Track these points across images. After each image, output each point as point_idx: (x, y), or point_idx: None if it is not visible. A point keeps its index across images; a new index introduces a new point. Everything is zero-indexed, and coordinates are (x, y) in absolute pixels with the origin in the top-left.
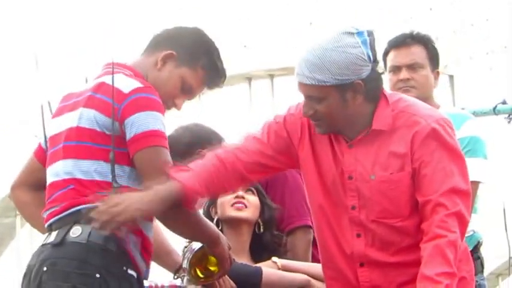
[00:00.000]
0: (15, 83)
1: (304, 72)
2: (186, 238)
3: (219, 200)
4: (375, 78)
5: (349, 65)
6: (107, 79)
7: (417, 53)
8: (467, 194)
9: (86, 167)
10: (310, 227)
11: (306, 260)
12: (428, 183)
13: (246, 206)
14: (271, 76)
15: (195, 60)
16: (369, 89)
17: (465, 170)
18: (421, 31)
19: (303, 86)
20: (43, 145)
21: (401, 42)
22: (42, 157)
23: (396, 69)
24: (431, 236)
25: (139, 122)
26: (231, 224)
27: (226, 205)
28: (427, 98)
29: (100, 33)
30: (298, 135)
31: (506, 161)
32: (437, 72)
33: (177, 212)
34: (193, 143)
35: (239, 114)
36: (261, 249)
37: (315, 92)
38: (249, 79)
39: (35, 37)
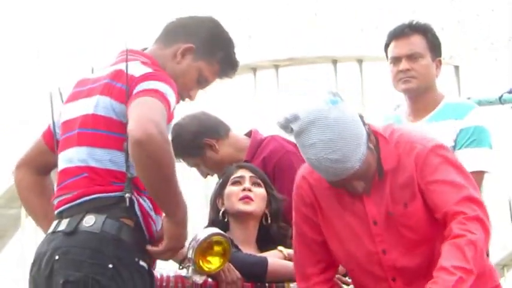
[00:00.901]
0: (15, 84)
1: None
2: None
3: (226, 192)
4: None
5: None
6: (124, 66)
7: (416, 43)
8: (482, 203)
9: (100, 156)
10: None
11: None
12: (440, 197)
13: (252, 200)
14: (276, 67)
15: (212, 53)
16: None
17: (474, 183)
18: (421, 21)
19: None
20: (52, 129)
21: (400, 32)
22: (50, 141)
23: (396, 60)
24: (451, 237)
25: (142, 85)
26: (238, 217)
27: (234, 198)
28: (429, 88)
29: (101, 28)
30: (311, 208)
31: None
32: (439, 61)
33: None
34: (200, 132)
35: (244, 104)
36: (267, 240)
37: (354, 176)
38: (254, 70)
39: (36, 34)
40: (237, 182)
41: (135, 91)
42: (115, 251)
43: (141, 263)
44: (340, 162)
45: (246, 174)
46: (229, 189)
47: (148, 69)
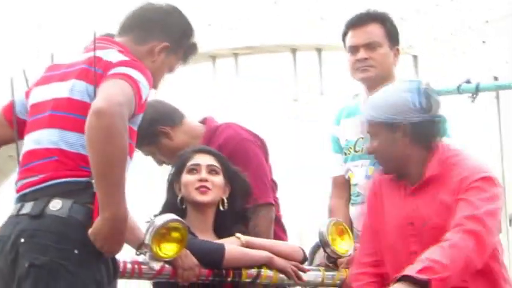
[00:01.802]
0: (15, 54)
1: (366, 109)
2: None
3: (183, 180)
4: (425, 126)
5: (398, 106)
6: (102, 53)
7: (374, 32)
8: (488, 226)
9: (72, 139)
10: (272, 204)
11: (268, 237)
12: (457, 212)
13: (209, 189)
14: (235, 55)
15: (181, 46)
16: (417, 134)
17: (496, 215)
18: (378, 9)
19: (365, 124)
20: (15, 107)
21: (357, 21)
22: (9, 116)
23: (354, 49)
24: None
25: (116, 70)
26: (195, 206)
27: (191, 187)
28: (387, 77)
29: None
30: (376, 197)
31: (470, 140)
32: (397, 50)
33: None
34: (155, 119)
35: (203, 92)
36: (224, 226)
37: (370, 129)
38: (213, 58)
39: (37, 5)
40: (193, 170)
41: (109, 73)
42: (81, 236)
43: None
44: (369, 102)
45: (202, 161)
46: (186, 177)
47: (126, 58)
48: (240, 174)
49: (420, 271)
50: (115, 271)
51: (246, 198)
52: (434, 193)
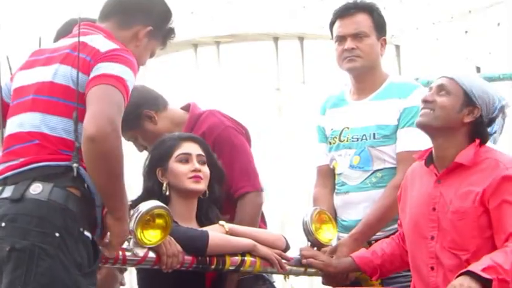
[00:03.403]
0: None
1: (457, 73)
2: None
3: (174, 169)
4: (484, 125)
5: (487, 95)
6: (87, 39)
7: (362, 22)
8: None
9: (54, 123)
10: (261, 190)
11: (253, 225)
12: (509, 218)
13: (202, 179)
14: (218, 43)
15: (161, 30)
16: (478, 124)
17: None
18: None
19: (446, 79)
20: (0, 91)
21: (345, 11)
22: None
23: (341, 39)
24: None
25: (104, 67)
26: (185, 194)
27: (183, 177)
28: (374, 67)
29: None
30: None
31: None
32: (384, 40)
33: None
34: (139, 103)
35: (185, 80)
36: (205, 214)
37: (449, 85)
38: (195, 46)
39: None
40: (184, 160)
41: (96, 72)
42: (62, 220)
43: (86, 233)
44: (461, 73)
45: (193, 150)
46: (177, 166)
47: (114, 45)
48: (217, 162)
49: (484, 269)
50: (96, 254)
51: (222, 186)
52: (461, 180)
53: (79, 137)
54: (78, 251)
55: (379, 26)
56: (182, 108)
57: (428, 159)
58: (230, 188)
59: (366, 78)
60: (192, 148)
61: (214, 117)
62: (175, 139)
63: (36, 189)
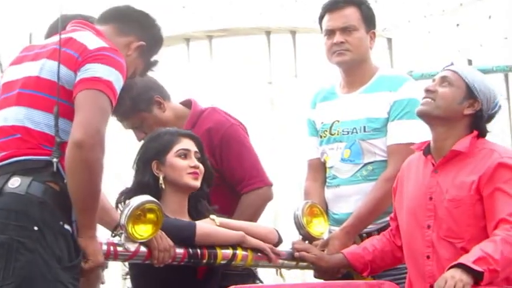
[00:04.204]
0: None
1: (460, 66)
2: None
3: (173, 163)
4: (484, 120)
5: (488, 90)
6: (76, 35)
7: (350, 15)
8: None
9: (38, 118)
10: (271, 185)
11: (255, 218)
12: (500, 205)
13: (199, 175)
14: (210, 37)
15: (149, 54)
16: (478, 118)
17: None
18: None
19: (449, 71)
20: None
21: (334, 5)
22: None
23: (330, 32)
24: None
25: (92, 69)
26: (182, 189)
27: (183, 172)
28: (363, 60)
29: None
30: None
31: None
32: (373, 33)
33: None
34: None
35: (177, 75)
36: (196, 210)
37: (452, 76)
38: (187, 40)
39: None
40: (183, 155)
41: (85, 74)
42: (40, 213)
43: (66, 226)
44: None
45: (191, 147)
46: (177, 161)
47: (103, 43)
48: (207, 162)
49: (475, 261)
50: (76, 249)
51: (209, 185)
52: (457, 169)
53: (59, 132)
54: (57, 244)
55: (368, 19)
56: (182, 104)
57: (426, 150)
58: (239, 184)
59: (356, 72)
60: (191, 145)
61: (218, 114)
62: (175, 134)
63: (14, 183)
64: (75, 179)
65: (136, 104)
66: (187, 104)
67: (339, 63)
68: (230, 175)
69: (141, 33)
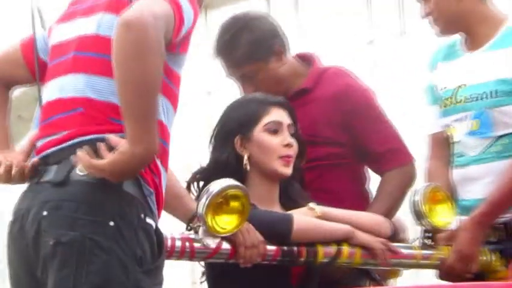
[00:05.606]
0: None
1: None
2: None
3: (262, 141)
4: None
5: None
6: None
7: None
8: None
9: (101, 86)
10: (415, 161)
11: (397, 204)
12: None
13: (292, 160)
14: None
15: None
16: None
17: None
18: None
19: None
20: (35, 43)
21: None
22: (28, 54)
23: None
24: None
25: None
26: (270, 176)
27: (273, 154)
28: (463, 16)
29: None
30: None
31: None
32: None
33: None
34: (275, 34)
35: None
36: (289, 197)
37: None
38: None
39: None
40: (273, 131)
41: None
42: (116, 205)
43: (148, 220)
44: None
45: (284, 119)
46: (267, 138)
47: None
48: (300, 134)
49: None
50: (160, 247)
51: (301, 161)
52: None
53: None
54: (138, 242)
55: None
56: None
57: None
58: (379, 160)
59: (469, 29)
60: (283, 116)
61: (347, 75)
62: (263, 102)
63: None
64: (121, 68)
65: (254, 51)
66: (306, 59)
67: (439, 36)
68: (365, 148)
69: None
